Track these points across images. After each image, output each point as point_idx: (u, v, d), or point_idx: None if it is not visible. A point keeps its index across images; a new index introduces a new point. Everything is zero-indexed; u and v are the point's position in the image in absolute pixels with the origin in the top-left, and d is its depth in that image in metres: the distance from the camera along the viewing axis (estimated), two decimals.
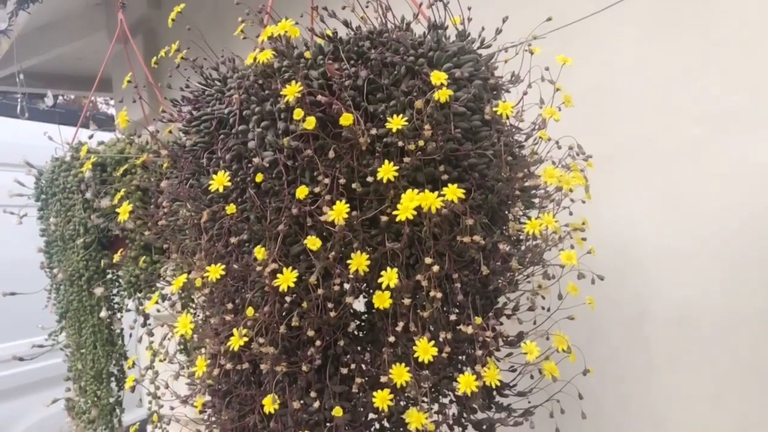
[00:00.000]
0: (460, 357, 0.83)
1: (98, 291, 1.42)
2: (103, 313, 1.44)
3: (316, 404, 0.78)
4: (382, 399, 0.75)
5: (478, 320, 0.73)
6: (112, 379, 1.52)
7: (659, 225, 1.24)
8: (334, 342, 0.82)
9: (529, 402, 0.93)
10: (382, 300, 0.71)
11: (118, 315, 1.48)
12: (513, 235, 0.80)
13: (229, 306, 0.78)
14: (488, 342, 0.76)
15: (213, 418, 0.87)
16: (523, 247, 0.80)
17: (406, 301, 0.74)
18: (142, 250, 1.45)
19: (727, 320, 1.17)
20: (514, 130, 0.86)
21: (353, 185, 0.78)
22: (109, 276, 1.49)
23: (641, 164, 1.25)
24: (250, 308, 0.73)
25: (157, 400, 1.49)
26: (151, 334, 1.51)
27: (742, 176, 1.13)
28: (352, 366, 0.80)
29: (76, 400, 1.52)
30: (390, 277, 0.70)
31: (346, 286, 0.77)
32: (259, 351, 0.77)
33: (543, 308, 0.90)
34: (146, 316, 1.47)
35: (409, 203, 0.68)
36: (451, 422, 0.89)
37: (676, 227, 1.22)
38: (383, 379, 0.75)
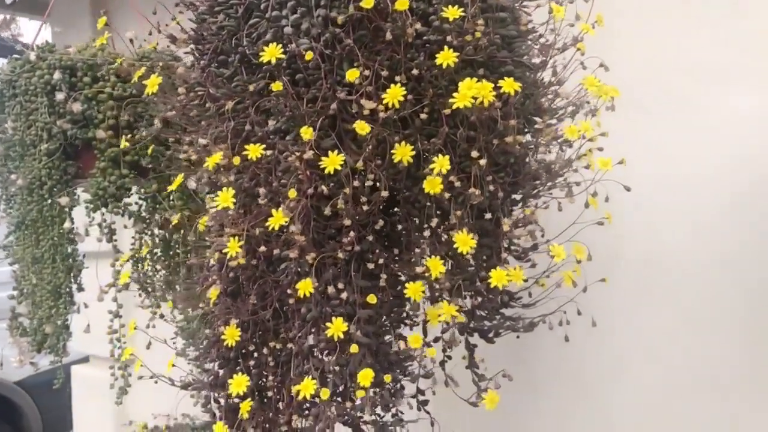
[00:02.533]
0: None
1: (63, 201, 1.34)
2: (67, 224, 1.37)
3: (344, 295, 0.77)
4: (414, 291, 0.75)
5: (528, 211, 0.75)
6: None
7: (639, 171, 1.29)
8: (359, 239, 0.81)
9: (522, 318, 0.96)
10: (434, 185, 0.71)
11: (82, 229, 1.40)
12: (548, 142, 0.82)
13: (262, 191, 0.76)
14: (520, 241, 0.78)
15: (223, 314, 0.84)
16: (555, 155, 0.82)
17: (446, 195, 0.74)
18: (111, 163, 1.38)
19: (692, 265, 1.25)
20: (546, 44, 0.88)
21: (397, 78, 0.77)
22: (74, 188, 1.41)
23: (629, 113, 1.29)
24: (293, 190, 0.72)
25: (118, 319, 1.44)
26: (117, 250, 1.45)
27: (724, 127, 1.20)
28: (380, 261, 0.80)
29: (25, 317, 1.43)
30: (442, 163, 0.70)
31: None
32: (290, 238, 0.76)
33: (545, 237, 0.92)
34: (112, 231, 1.41)
35: (468, 91, 0.68)
36: (457, 328, 0.91)
37: (653, 175, 1.28)
38: (418, 269, 0.75)
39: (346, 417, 0.78)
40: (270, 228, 0.72)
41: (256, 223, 0.75)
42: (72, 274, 1.42)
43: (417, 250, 0.77)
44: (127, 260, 1.53)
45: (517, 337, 1.00)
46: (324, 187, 0.75)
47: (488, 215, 0.76)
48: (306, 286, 0.73)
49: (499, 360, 0.91)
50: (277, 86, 0.73)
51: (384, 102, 0.71)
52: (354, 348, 0.73)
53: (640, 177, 1.26)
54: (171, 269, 1.60)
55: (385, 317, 0.84)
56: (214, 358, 0.89)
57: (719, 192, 1.21)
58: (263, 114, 0.84)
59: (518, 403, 1.46)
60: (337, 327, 0.73)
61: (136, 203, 1.50)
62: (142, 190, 1.44)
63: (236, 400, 0.89)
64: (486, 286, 0.81)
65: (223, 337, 0.82)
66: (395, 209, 0.88)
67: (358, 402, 0.80)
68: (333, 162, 0.71)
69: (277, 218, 0.71)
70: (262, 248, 0.75)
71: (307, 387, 0.72)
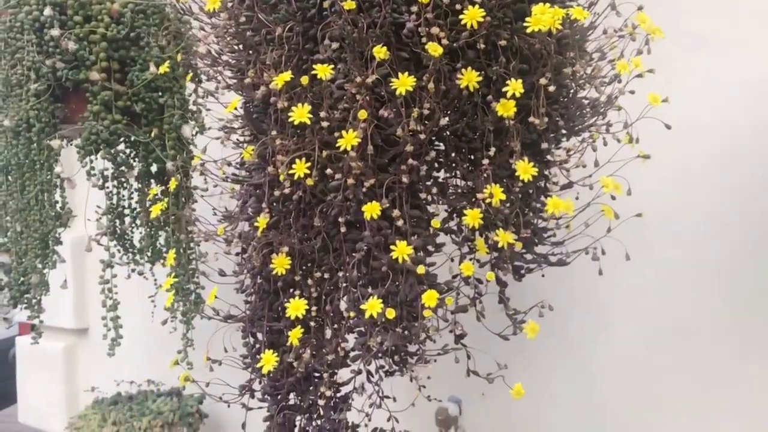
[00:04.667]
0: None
1: (55, 144, 1.28)
2: (58, 169, 1.30)
3: (400, 222, 0.78)
4: (473, 217, 0.77)
5: (596, 136, 0.77)
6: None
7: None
8: (411, 169, 0.82)
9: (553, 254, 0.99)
10: (507, 108, 0.72)
11: (73, 175, 1.34)
12: (594, 76, 0.84)
13: (323, 114, 0.75)
14: (568, 174, 0.81)
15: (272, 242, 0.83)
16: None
17: (511, 122, 0.75)
18: (103, 107, 1.33)
19: (673, 225, 1.30)
20: None
21: (458, 6, 0.78)
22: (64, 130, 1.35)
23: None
24: (363, 111, 0.71)
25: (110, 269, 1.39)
26: (109, 198, 1.40)
27: (706, 91, 1.26)
28: (434, 191, 0.81)
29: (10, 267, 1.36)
30: (515, 86, 0.72)
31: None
32: (347, 165, 0.75)
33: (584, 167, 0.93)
34: (105, 178, 1.35)
35: (542, 15, 0.70)
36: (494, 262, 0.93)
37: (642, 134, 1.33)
38: (479, 195, 0.77)
39: (400, 343, 0.79)
40: (341, 149, 0.71)
41: (321, 146, 0.74)
42: (59, 222, 1.36)
43: (459, 183, 0.78)
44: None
45: (542, 275, 1.03)
46: (386, 112, 0.75)
47: (545, 145, 0.78)
48: (373, 209, 0.73)
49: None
50: (349, 5, 0.72)
51: (462, 23, 0.72)
52: (420, 269, 0.73)
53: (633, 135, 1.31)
54: (152, 225, 1.55)
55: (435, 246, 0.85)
56: (252, 290, 0.88)
57: (703, 155, 1.27)
58: (312, 41, 0.83)
59: (504, 358, 1.51)
60: (401, 250, 0.73)
61: (123, 152, 1.45)
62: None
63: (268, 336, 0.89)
64: (532, 219, 0.83)
65: (272, 266, 0.81)
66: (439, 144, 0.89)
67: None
68: (404, 83, 0.71)
69: (348, 139, 0.71)
70: (329, 170, 0.74)
71: (373, 306, 0.72)
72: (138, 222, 1.57)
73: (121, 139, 1.39)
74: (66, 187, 1.35)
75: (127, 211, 1.55)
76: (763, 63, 1.22)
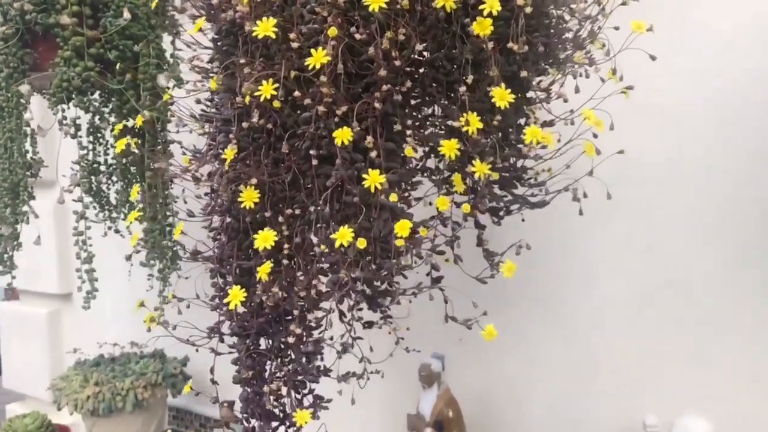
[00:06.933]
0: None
1: (24, 89, 1.23)
2: (28, 115, 1.26)
3: (374, 154, 0.75)
4: (449, 148, 0.74)
5: (554, 72, 0.74)
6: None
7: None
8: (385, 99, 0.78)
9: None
10: (484, 26, 0.69)
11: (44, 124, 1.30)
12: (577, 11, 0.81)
13: (293, 35, 0.72)
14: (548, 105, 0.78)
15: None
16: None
17: (489, 45, 0.72)
18: (75, 53, 1.28)
19: (663, 180, 1.27)
20: None
21: None
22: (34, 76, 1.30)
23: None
24: (333, 28, 0.67)
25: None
26: (82, 147, 1.36)
27: (704, 42, 1.22)
28: (408, 122, 0.78)
29: None
30: (492, 3, 0.68)
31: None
32: (318, 92, 0.72)
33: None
34: (77, 127, 1.31)
35: None
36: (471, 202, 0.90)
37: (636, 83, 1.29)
38: (455, 124, 0.73)
39: (372, 278, 0.76)
40: (309, 67, 0.68)
41: (289, 68, 0.70)
42: (30, 173, 1.32)
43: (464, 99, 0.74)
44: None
45: (522, 220, 1.00)
46: (359, 31, 0.71)
47: (524, 72, 0.75)
48: (344, 134, 0.70)
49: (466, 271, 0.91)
50: None
51: None
52: (393, 197, 0.70)
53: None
54: (127, 180, 1.51)
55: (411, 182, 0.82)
56: (221, 229, 0.85)
57: (692, 107, 1.24)
58: None
59: (485, 316, 1.49)
60: (373, 179, 0.70)
61: (96, 101, 1.41)
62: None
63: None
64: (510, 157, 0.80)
65: (240, 199, 0.78)
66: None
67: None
68: (378, 0, 0.68)
69: (318, 57, 0.67)
70: (297, 93, 0.71)
71: (343, 235, 0.69)
72: (114, 178, 1.54)
73: (93, 89, 1.34)
74: (37, 136, 1.31)
75: (102, 168, 1.52)
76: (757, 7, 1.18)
